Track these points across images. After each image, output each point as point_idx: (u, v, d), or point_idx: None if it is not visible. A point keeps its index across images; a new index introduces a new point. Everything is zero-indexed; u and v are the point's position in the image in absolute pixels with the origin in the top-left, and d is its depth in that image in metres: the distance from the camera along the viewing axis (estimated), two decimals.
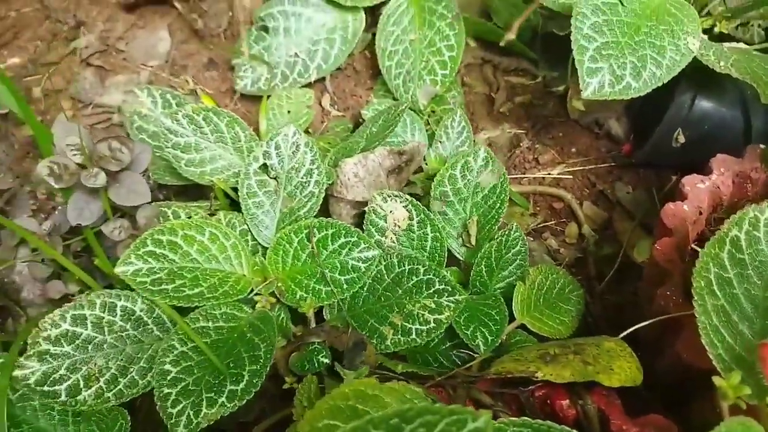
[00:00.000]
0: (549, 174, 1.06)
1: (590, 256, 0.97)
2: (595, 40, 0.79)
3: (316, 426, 0.52)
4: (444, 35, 1.09)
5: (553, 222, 1.02)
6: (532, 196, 1.04)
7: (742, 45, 0.95)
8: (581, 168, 1.07)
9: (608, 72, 0.78)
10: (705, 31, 0.92)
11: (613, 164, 1.08)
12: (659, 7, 0.84)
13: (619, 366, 0.61)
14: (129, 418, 0.67)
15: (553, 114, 1.14)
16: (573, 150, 1.10)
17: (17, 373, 0.63)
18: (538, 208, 1.04)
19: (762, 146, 0.85)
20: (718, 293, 0.61)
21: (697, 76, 0.92)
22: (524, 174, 1.07)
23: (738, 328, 0.60)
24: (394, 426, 0.43)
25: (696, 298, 0.61)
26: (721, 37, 0.97)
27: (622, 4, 0.82)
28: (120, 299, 0.70)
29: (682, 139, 0.98)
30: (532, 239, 1.00)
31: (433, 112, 1.12)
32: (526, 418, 0.54)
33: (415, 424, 0.43)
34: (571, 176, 1.06)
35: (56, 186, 0.70)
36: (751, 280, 0.62)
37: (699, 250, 0.63)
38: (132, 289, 0.70)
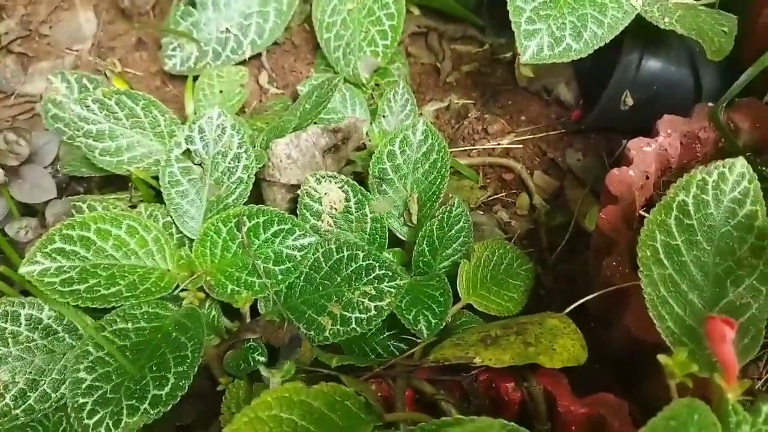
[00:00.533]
0: (499, 144, 1.02)
1: (542, 227, 0.94)
2: (532, 1, 0.74)
3: None
4: (383, 3, 1.03)
5: (503, 194, 0.98)
6: (481, 168, 1.00)
7: (687, 0, 0.92)
8: (531, 137, 1.03)
9: (547, 33, 0.73)
10: None
11: (563, 131, 1.04)
12: None
13: (561, 345, 0.58)
14: None
15: (502, 82, 1.09)
16: (523, 118, 1.06)
17: None
18: (488, 181, 1.00)
19: (710, 104, 0.82)
20: (666, 262, 0.58)
21: (643, 34, 0.89)
22: (473, 146, 1.03)
23: (687, 298, 0.57)
24: None
25: (642, 268, 0.58)
26: None
27: None
28: (24, 307, 0.64)
29: (630, 101, 0.94)
30: (482, 213, 0.96)
31: (377, 85, 1.06)
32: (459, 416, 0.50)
33: None
34: (521, 145, 1.02)
35: None
36: (701, 246, 0.58)
37: (646, 216, 0.59)
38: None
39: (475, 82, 1.09)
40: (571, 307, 0.65)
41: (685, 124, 0.79)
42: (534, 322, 0.61)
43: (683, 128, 0.79)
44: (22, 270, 0.63)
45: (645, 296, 0.57)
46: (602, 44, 0.76)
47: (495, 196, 0.98)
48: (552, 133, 1.04)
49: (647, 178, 0.75)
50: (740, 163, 0.56)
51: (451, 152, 0.84)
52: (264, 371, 0.59)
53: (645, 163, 0.75)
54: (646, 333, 0.61)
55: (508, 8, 0.73)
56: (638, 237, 0.59)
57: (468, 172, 0.98)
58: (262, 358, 0.68)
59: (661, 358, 0.49)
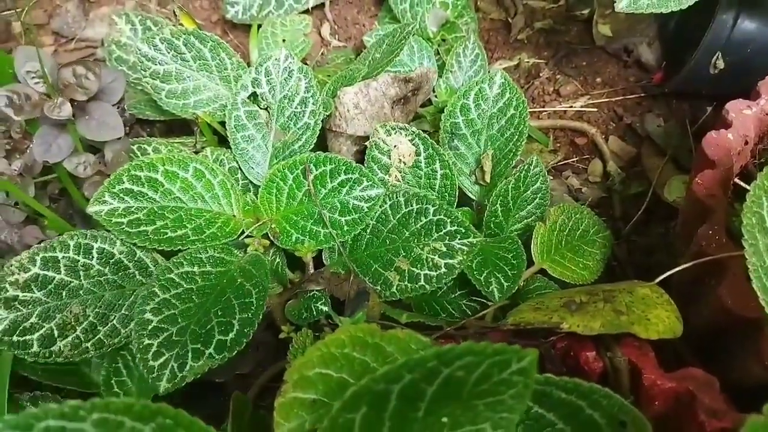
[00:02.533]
0: (571, 107, 0.96)
1: (616, 196, 0.88)
2: None
3: (306, 375, 0.46)
4: None
5: (575, 159, 0.93)
6: (552, 131, 0.95)
7: None
8: (607, 100, 0.97)
9: None
10: None
11: (642, 95, 0.97)
12: None
13: (656, 315, 0.53)
14: None
15: (577, 41, 1.03)
16: (598, 80, 0.99)
17: None
18: (558, 145, 0.94)
19: None
20: None
21: None
22: (544, 107, 0.97)
23: None
24: (431, 369, 0.36)
25: (746, 236, 0.52)
26: None
27: None
28: (96, 241, 0.63)
29: (721, 64, 0.87)
30: (551, 178, 0.91)
31: (444, 40, 1.01)
32: (549, 375, 0.47)
33: (454, 367, 0.36)
34: (595, 109, 0.96)
35: (16, 118, 0.63)
36: None
37: (743, 185, 0.54)
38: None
39: (548, 40, 1.03)
40: (662, 276, 0.60)
41: None
42: (622, 290, 0.57)
43: None
44: (90, 209, 0.62)
45: (749, 267, 0.52)
46: None
47: (566, 161, 0.93)
48: (630, 96, 0.97)
49: (746, 143, 0.69)
50: None
51: None
52: (336, 318, 0.57)
53: (744, 127, 0.69)
54: (745, 307, 0.57)
55: None
56: (736, 204, 0.54)
57: (537, 135, 0.93)
58: (325, 308, 0.66)
59: None
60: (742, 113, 0.70)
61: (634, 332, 0.51)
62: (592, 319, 0.52)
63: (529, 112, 0.97)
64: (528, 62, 1.01)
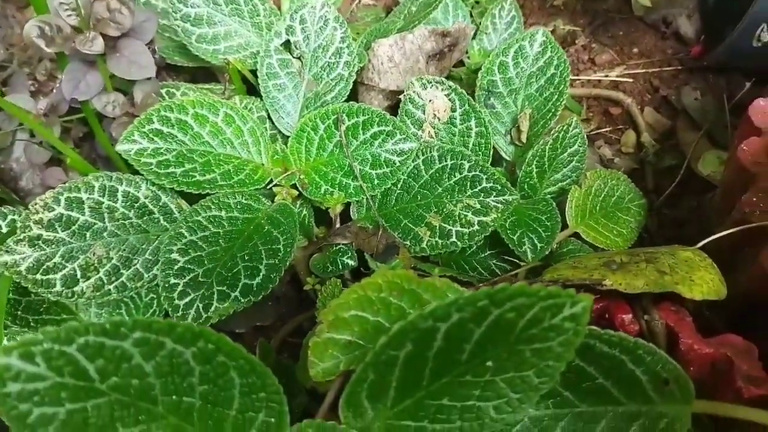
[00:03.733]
0: (606, 76, 0.94)
1: (648, 167, 0.86)
2: None
3: (342, 316, 0.45)
4: None
5: (608, 129, 0.91)
6: (585, 99, 0.93)
7: None
8: (643, 71, 0.94)
9: None
10: None
11: (679, 68, 0.95)
12: None
13: (700, 277, 0.52)
14: None
15: (614, 9, 1.00)
16: (635, 51, 0.96)
17: (5, 258, 0.56)
18: (591, 114, 0.92)
19: None
20: None
21: None
22: (578, 76, 0.95)
23: None
24: (481, 309, 0.35)
25: None
26: None
27: None
28: (122, 183, 0.61)
29: (766, 37, 0.84)
30: None
31: (477, 2, 0.99)
32: (593, 327, 0.46)
33: (505, 308, 0.35)
34: (631, 79, 0.93)
35: (47, 49, 0.61)
36: None
37: None
38: (136, 173, 0.62)
39: (585, 7, 1.00)
40: (706, 241, 0.59)
41: None
42: (664, 253, 0.55)
43: None
44: (119, 147, 0.61)
45: None
46: None
47: (598, 131, 0.91)
48: (666, 68, 0.95)
49: None
50: None
51: None
52: (372, 263, 0.55)
53: None
54: None
55: None
56: None
57: (570, 103, 0.91)
58: (351, 262, 0.65)
59: None
60: None
61: (679, 291, 0.50)
62: (635, 277, 0.50)
63: None
64: (564, 29, 0.98)
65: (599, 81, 0.94)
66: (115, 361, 0.33)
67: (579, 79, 0.94)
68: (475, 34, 0.88)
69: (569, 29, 0.98)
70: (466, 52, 0.86)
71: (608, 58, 0.95)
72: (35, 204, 0.59)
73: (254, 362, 0.37)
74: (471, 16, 0.98)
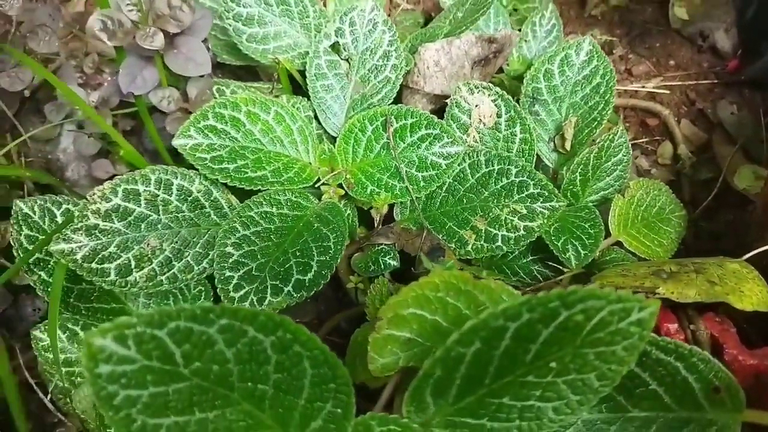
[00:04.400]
0: (643, 87, 0.94)
1: (685, 180, 0.86)
2: None
3: (401, 314, 0.46)
4: None
5: (644, 140, 0.91)
6: (622, 110, 0.93)
7: None
8: (680, 83, 0.95)
9: None
10: None
11: (715, 81, 0.95)
12: None
13: (749, 288, 0.52)
14: None
15: (652, 21, 1.00)
16: (671, 63, 0.97)
17: (62, 246, 0.57)
18: (628, 124, 0.93)
19: None
20: None
21: None
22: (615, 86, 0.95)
23: None
24: (551, 310, 0.36)
25: None
26: None
27: None
28: (177, 177, 0.62)
29: None
30: None
31: (515, 10, 1.00)
32: (650, 333, 0.46)
33: (575, 310, 0.36)
34: (668, 91, 0.94)
35: (109, 43, 0.62)
36: None
37: None
38: (190, 167, 0.63)
39: (623, 18, 1.01)
40: (751, 253, 0.59)
41: None
42: (712, 264, 0.56)
43: None
44: (176, 142, 0.62)
45: None
46: None
47: (635, 141, 0.91)
48: (702, 82, 0.95)
49: None
50: None
51: None
52: (426, 261, 0.56)
53: None
54: None
55: None
56: None
57: None
58: (393, 262, 0.66)
59: None
60: None
61: (730, 302, 0.50)
62: (686, 287, 0.51)
63: None
64: (601, 39, 0.99)
65: (636, 92, 0.94)
66: (200, 347, 0.34)
67: (616, 89, 0.95)
68: None
69: (606, 39, 0.99)
70: (506, 60, 0.87)
71: (645, 69, 0.96)
72: (93, 194, 0.60)
73: (327, 353, 0.38)
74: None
